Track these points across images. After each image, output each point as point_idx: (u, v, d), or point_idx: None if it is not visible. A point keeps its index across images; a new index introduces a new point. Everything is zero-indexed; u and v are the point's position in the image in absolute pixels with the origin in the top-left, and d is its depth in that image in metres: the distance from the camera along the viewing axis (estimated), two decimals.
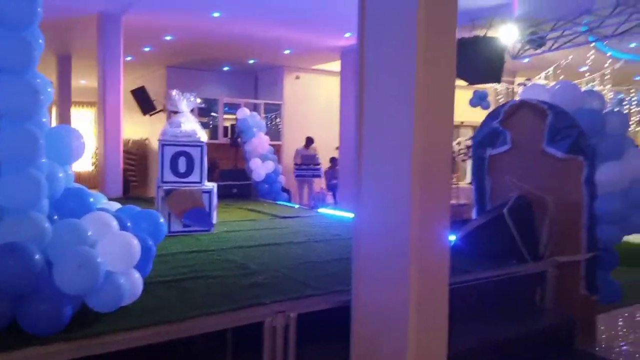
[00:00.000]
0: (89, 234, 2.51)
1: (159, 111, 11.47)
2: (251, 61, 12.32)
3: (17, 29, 2.35)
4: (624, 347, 4.13)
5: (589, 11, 6.55)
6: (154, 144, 12.43)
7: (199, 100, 6.64)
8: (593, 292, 4.12)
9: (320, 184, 12.44)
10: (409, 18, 2.56)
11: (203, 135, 5.22)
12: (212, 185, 5.16)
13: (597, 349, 4.04)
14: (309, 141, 12.14)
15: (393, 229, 2.63)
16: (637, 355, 3.99)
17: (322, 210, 6.80)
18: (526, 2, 6.96)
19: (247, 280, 3.24)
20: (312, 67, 12.80)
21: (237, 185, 8.69)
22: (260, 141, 8.92)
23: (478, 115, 12.38)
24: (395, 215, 2.62)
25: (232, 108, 11.99)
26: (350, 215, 6.36)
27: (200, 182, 5.13)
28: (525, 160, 4.31)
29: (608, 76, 10.28)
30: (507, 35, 7.41)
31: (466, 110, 12.18)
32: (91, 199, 2.86)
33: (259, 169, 8.51)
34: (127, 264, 2.60)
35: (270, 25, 9.07)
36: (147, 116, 11.55)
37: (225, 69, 13.35)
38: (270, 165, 8.61)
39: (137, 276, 2.69)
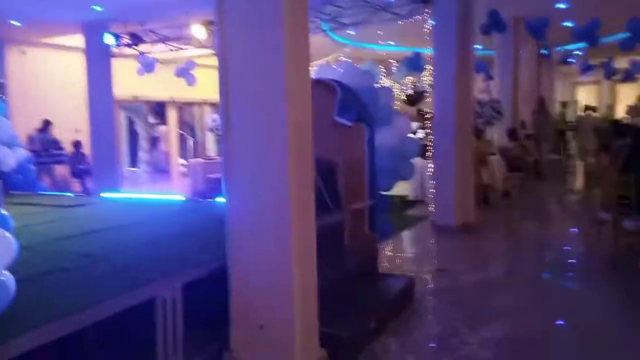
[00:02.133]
0: None
1: None
2: None
3: None
4: (393, 267, 5.43)
5: (332, 3, 7.75)
6: None
7: None
8: (374, 230, 5.23)
9: (61, 170, 11.33)
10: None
11: None
12: None
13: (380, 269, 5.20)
14: (47, 124, 10.87)
15: (271, 200, 2.98)
16: (402, 269, 5.30)
17: (105, 195, 6.45)
18: None
19: (106, 267, 3.16)
20: (43, 41, 11.34)
21: None
22: (2, 126, 7.70)
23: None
24: (273, 187, 2.98)
25: None
26: (141, 196, 6.27)
27: None
28: (319, 129, 5.08)
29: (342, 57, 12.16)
30: None
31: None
32: None
33: (7, 157, 7.39)
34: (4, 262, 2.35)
35: None
36: None
37: None
38: (21, 153, 7.54)
39: (8, 276, 2.43)
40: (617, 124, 11.88)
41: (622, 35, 10.03)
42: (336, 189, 4.87)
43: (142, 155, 14.47)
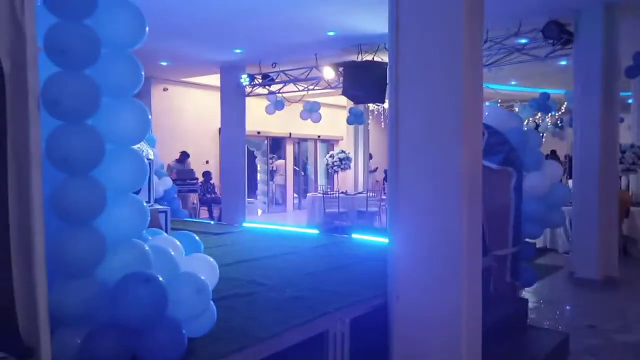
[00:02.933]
0: (176, 257, 2.44)
1: None
2: None
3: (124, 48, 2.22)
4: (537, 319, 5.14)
5: None
6: None
7: None
8: (517, 278, 5.02)
9: (192, 198, 12.20)
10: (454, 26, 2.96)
11: (149, 151, 4.98)
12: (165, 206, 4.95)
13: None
14: (185, 155, 11.84)
15: (442, 242, 3.01)
16: (547, 323, 5.00)
17: (245, 224, 6.83)
18: None
19: (277, 295, 3.33)
20: (181, 80, 12.48)
21: None
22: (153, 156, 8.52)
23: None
24: (443, 228, 3.01)
25: None
26: (279, 227, 6.58)
27: (149, 202, 4.88)
28: None
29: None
30: None
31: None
32: None
33: (157, 185, 8.12)
34: (212, 286, 2.58)
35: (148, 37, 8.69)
36: None
37: None
38: (167, 182, 8.28)
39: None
40: None
41: None
42: (482, 233, 4.78)
43: (260, 187, 15.17)
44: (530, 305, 5.61)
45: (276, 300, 3.22)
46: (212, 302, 2.48)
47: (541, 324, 5.05)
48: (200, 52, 9.71)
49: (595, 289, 6.31)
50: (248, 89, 10.88)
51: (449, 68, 2.99)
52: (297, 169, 16.58)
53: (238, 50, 9.65)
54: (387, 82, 3.28)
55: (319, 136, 16.39)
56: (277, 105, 10.71)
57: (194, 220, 7.74)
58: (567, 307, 5.76)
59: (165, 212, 4.83)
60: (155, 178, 8.11)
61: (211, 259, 2.64)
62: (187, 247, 2.80)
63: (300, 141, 16.42)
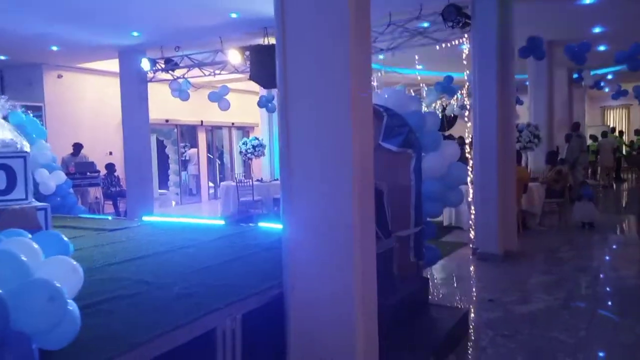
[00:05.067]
0: (26, 260, 2.14)
1: None
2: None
3: None
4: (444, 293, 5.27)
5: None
6: None
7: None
8: (420, 258, 5.09)
9: (94, 192, 11.46)
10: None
11: (24, 143, 4.50)
12: (44, 203, 4.50)
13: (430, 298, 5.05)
14: (78, 147, 11.02)
15: (334, 226, 2.90)
16: (450, 298, 5.13)
17: (145, 219, 6.43)
18: None
19: (164, 294, 3.09)
20: (78, 66, 11.60)
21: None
22: (41, 149, 7.82)
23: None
24: (335, 213, 2.91)
25: None
26: (181, 220, 6.24)
27: (26, 199, 4.42)
28: None
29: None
30: None
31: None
32: None
33: (48, 180, 7.47)
34: (72, 293, 2.30)
35: (35, 21, 7.94)
36: None
37: None
38: (60, 176, 7.64)
39: (74, 305, 2.38)
40: None
41: None
42: (383, 215, 4.78)
43: (172, 177, 14.57)
44: (435, 282, 5.76)
45: (163, 300, 2.98)
46: (75, 309, 2.21)
47: (445, 300, 5.17)
48: (94, 35, 9.02)
49: (496, 263, 6.59)
50: (150, 75, 10.31)
51: (336, 52, 2.87)
52: (212, 157, 16.12)
53: (136, 34, 9.07)
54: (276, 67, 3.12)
55: (233, 123, 15.99)
56: (182, 92, 10.24)
57: (90, 216, 7.20)
58: (471, 282, 5.96)
59: (45, 209, 4.38)
60: (44, 172, 7.49)
61: (73, 262, 2.35)
62: (51, 249, 2.49)
63: (213, 129, 15.93)
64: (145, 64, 9.88)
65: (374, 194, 4.74)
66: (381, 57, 10.87)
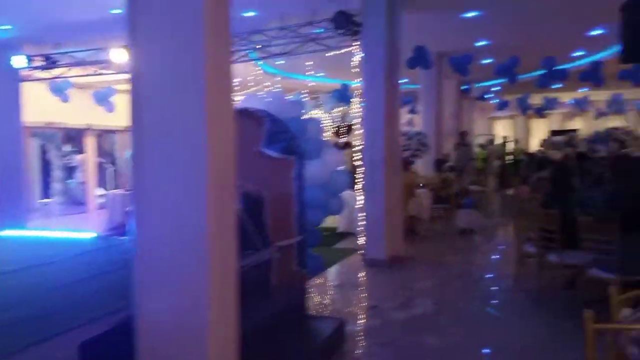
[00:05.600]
0: None
1: None
2: None
3: None
4: (324, 305, 5.20)
5: (260, 31, 7.61)
6: None
7: None
8: (303, 267, 4.98)
9: None
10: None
11: None
12: None
13: (312, 311, 4.95)
14: None
15: (187, 239, 2.68)
16: (333, 307, 5.08)
17: (3, 233, 5.76)
18: None
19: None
20: None
21: None
22: None
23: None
24: (188, 223, 2.68)
25: None
26: (47, 234, 5.67)
27: None
28: (245, 161, 4.83)
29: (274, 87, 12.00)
30: None
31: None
32: None
33: None
34: None
35: None
36: None
37: None
38: None
39: None
40: (534, 157, 12.54)
41: (538, 73, 10.64)
42: (263, 224, 4.61)
43: (56, 186, 13.44)
44: (322, 290, 5.70)
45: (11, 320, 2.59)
46: None
47: (329, 309, 5.10)
48: None
49: (383, 269, 6.67)
50: (27, 73, 9.42)
51: (188, 52, 2.67)
52: (105, 163, 15.10)
53: (6, 27, 8.24)
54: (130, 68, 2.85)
55: (125, 127, 15.10)
56: (62, 92, 9.46)
57: None
58: (357, 289, 5.95)
59: None
60: None
61: None
62: None
63: (103, 133, 14.94)
64: (19, 61, 9.01)
65: (254, 202, 4.60)
66: (281, 62, 10.81)
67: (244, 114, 4.77)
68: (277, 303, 4.22)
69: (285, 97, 5.11)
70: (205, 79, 2.65)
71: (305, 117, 5.02)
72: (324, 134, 5.16)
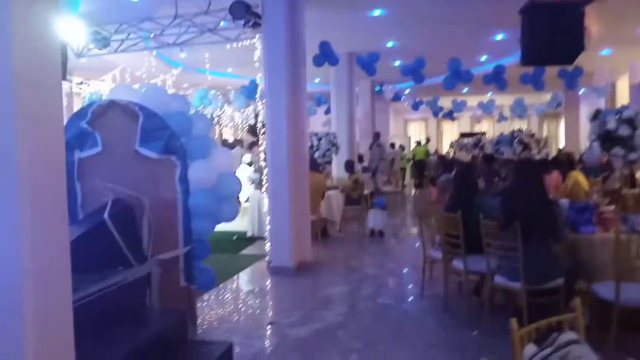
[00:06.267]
0: None
1: None
2: None
3: None
4: (217, 324, 4.65)
5: (150, 18, 6.89)
6: None
7: None
8: (191, 282, 4.40)
9: None
10: None
11: None
12: None
13: (199, 332, 4.39)
14: None
15: None
16: (227, 326, 4.55)
17: None
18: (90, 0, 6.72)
19: None
20: None
21: None
22: None
23: None
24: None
25: None
26: None
27: None
28: (117, 162, 4.18)
29: (169, 81, 11.16)
30: (71, 30, 6.95)
31: None
32: None
33: None
34: None
35: None
36: None
37: None
38: None
39: None
40: (442, 158, 12.67)
41: (446, 76, 10.70)
42: (138, 235, 3.98)
43: None
44: (214, 307, 5.15)
45: None
46: None
47: (220, 328, 4.56)
48: None
49: (288, 277, 6.22)
50: None
51: None
52: None
53: None
54: None
55: None
56: None
57: None
58: (256, 302, 5.42)
59: None
60: None
61: None
62: None
63: None
64: None
65: (128, 210, 3.95)
66: (182, 55, 10.06)
67: (114, 107, 4.11)
68: (153, 327, 3.62)
69: (164, 90, 4.49)
70: (14, 75, 2.02)
71: (190, 112, 4.43)
72: (211, 132, 4.59)
